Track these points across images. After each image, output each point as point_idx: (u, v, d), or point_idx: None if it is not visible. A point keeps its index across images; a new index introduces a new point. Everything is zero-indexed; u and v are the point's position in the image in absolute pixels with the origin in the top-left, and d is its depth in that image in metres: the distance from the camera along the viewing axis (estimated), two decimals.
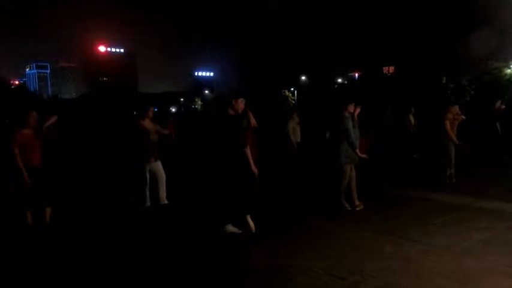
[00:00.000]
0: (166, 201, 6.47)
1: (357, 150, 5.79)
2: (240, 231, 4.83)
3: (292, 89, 53.03)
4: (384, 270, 3.65)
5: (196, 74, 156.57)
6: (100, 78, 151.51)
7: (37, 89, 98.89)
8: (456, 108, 7.68)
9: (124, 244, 4.78)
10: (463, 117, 7.73)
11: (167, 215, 5.99)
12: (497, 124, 9.49)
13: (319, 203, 6.27)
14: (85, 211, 6.36)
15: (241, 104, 5.02)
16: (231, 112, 5.00)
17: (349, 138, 5.70)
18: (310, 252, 4.19)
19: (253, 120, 4.98)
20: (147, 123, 6.41)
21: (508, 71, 28.36)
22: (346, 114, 5.86)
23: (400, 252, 4.12)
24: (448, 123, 7.43)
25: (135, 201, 6.38)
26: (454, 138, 7.45)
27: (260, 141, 5.27)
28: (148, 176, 6.37)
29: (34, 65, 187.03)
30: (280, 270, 3.79)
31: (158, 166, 6.46)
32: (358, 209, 5.82)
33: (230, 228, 4.88)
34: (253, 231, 4.88)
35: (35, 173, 5.08)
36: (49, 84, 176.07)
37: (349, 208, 5.79)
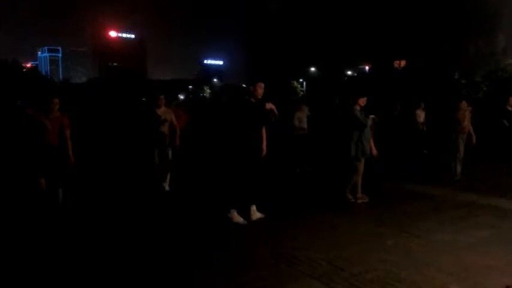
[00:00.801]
0: (168, 188, 6.59)
1: (371, 143, 5.80)
2: (245, 223, 4.84)
3: (301, 80, 52.75)
4: (384, 263, 3.69)
5: (205, 62, 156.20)
6: (110, 63, 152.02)
7: (48, 72, 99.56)
8: (464, 105, 7.61)
9: (126, 230, 4.87)
10: (470, 108, 7.65)
11: (171, 202, 6.08)
12: (505, 122, 9.35)
13: (324, 195, 6.32)
14: (94, 195, 6.48)
15: (260, 89, 5.00)
16: (252, 99, 4.98)
17: (364, 132, 5.70)
18: (313, 243, 4.24)
19: (275, 111, 4.98)
20: (160, 111, 6.49)
21: None
22: (357, 107, 5.85)
23: (402, 246, 4.15)
24: (459, 115, 7.35)
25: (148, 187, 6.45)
26: (472, 132, 7.41)
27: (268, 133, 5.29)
28: (157, 161, 6.45)
29: (46, 48, 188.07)
30: (282, 259, 3.85)
31: (167, 153, 6.58)
32: (360, 201, 5.86)
33: (236, 217, 4.89)
34: (253, 219, 4.92)
35: (53, 152, 5.19)
36: (60, 67, 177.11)
37: (353, 200, 5.84)
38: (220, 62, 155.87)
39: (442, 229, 4.65)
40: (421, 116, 11.16)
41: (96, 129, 11.78)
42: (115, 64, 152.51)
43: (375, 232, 4.59)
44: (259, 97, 5.00)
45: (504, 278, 3.39)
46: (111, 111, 16.44)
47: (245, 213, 5.01)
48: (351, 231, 4.64)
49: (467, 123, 7.48)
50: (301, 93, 49.43)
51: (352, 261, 3.74)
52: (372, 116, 6.13)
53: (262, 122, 5.04)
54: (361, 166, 5.86)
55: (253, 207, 5.08)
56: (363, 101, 5.92)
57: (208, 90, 79.54)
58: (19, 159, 5.20)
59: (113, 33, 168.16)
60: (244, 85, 55.16)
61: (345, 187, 5.91)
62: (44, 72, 74.19)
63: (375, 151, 5.96)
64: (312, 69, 51.86)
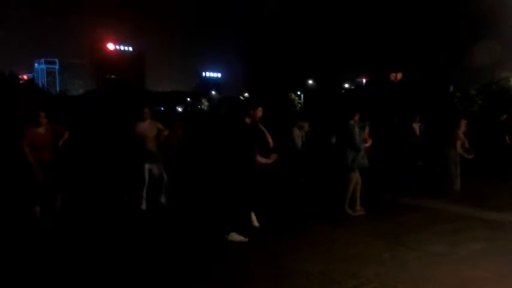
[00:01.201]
0: (164, 203, 6.44)
1: (368, 139, 5.92)
2: (246, 239, 4.75)
3: (298, 92, 53.12)
4: (380, 276, 3.74)
5: (203, 74, 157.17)
6: (108, 76, 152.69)
7: (45, 84, 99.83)
8: (465, 123, 7.68)
9: (121, 244, 4.90)
10: (465, 121, 7.75)
11: (169, 217, 6.08)
12: (506, 137, 9.43)
13: (321, 207, 6.36)
14: (85, 209, 6.47)
15: (259, 113, 5.08)
16: (248, 121, 5.05)
17: (356, 146, 5.81)
18: (309, 255, 4.29)
19: (269, 140, 5.01)
20: (145, 125, 6.31)
21: None
22: (351, 122, 5.97)
23: (398, 258, 4.20)
24: (458, 139, 7.45)
25: (129, 201, 6.39)
26: (464, 153, 7.48)
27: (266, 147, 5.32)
28: (147, 177, 6.37)
29: (43, 60, 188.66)
30: (279, 271, 3.89)
31: (160, 168, 6.45)
32: (358, 214, 5.91)
33: (235, 237, 4.79)
34: (257, 226, 5.00)
35: (46, 169, 5.27)
36: (57, 79, 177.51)
37: (351, 213, 5.88)
38: (219, 75, 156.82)
39: (438, 242, 4.70)
40: (417, 128, 11.28)
41: (88, 140, 11.85)
42: (113, 76, 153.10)
43: (373, 245, 4.64)
44: (257, 120, 5.08)
45: None
46: (105, 123, 16.49)
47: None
48: (348, 244, 4.68)
49: (463, 137, 7.58)
50: (299, 105, 49.71)
51: (349, 274, 3.79)
52: (365, 125, 6.23)
53: (256, 146, 5.03)
54: (354, 176, 5.91)
55: (253, 215, 5.16)
56: (357, 117, 6.05)
57: (206, 103, 79.80)
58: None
59: (110, 46, 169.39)
60: (242, 97, 55.48)
61: (343, 199, 5.96)
62: (40, 84, 74.31)
63: (369, 142, 6.06)
64: (310, 81, 52.32)
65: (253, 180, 4.94)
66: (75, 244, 4.78)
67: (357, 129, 5.94)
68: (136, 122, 6.43)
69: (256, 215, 5.24)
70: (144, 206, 6.31)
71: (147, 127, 6.40)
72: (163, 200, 6.56)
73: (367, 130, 6.17)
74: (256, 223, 5.19)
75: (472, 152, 7.66)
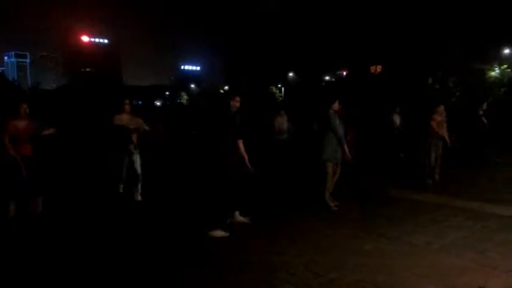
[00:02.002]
0: (140, 198, 6.34)
1: (345, 147, 5.91)
2: (227, 234, 4.72)
3: (279, 85, 53.19)
4: (361, 267, 3.76)
5: (182, 67, 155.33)
6: (82, 69, 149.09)
7: (16, 78, 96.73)
8: (442, 109, 7.85)
9: (102, 241, 4.79)
10: (444, 113, 7.87)
11: (149, 213, 5.97)
12: (483, 124, 9.62)
13: (302, 199, 6.36)
14: (66, 205, 6.30)
15: (236, 102, 5.08)
16: (228, 113, 5.04)
17: (337, 134, 5.83)
18: (290, 249, 4.28)
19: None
20: (124, 118, 6.20)
21: (493, 73, 29.05)
22: (331, 112, 5.98)
23: (378, 250, 4.24)
24: (434, 123, 7.61)
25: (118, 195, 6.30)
26: (447, 138, 7.62)
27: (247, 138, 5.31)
28: (125, 172, 6.29)
29: (13, 53, 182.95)
30: (260, 266, 3.86)
31: (136, 162, 6.35)
32: (336, 205, 5.87)
33: (217, 233, 4.74)
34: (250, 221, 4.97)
35: (26, 163, 5.09)
36: (28, 73, 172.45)
37: (335, 208, 5.82)
38: (198, 68, 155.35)
39: (417, 232, 4.77)
40: (397, 120, 11.44)
41: (64, 136, 11.56)
42: (88, 69, 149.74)
43: (354, 236, 4.66)
44: (235, 109, 5.08)
45: (478, 279, 3.51)
46: (81, 118, 16.15)
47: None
48: (330, 236, 4.70)
49: (442, 128, 7.71)
50: (280, 98, 49.76)
51: (330, 266, 3.80)
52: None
53: (236, 136, 5.05)
54: (330, 168, 5.91)
55: (236, 213, 5.13)
56: (335, 106, 6.03)
57: (185, 97, 78.98)
58: None
59: (85, 38, 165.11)
60: (222, 91, 55.21)
61: (323, 192, 5.97)
62: (11, 78, 71.95)
63: (348, 156, 5.99)
64: (291, 74, 52.41)
65: (236, 171, 4.93)
66: (47, 243, 4.64)
67: (337, 120, 5.94)
68: (115, 115, 6.27)
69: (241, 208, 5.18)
70: (139, 197, 6.27)
71: (127, 121, 6.25)
72: (138, 197, 6.42)
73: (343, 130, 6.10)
74: (240, 218, 5.13)
75: (453, 139, 7.82)
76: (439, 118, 7.73)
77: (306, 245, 4.41)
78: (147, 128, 6.51)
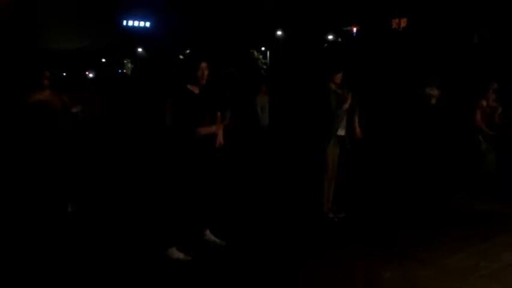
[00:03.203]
0: (69, 209, 6.51)
1: (356, 124, 5.97)
2: (189, 258, 4.89)
3: (263, 48, 53.03)
4: None
5: (125, 23, 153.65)
6: None
7: None
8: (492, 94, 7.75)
9: None
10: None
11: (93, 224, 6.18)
12: None
13: (295, 207, 6.65)
14: None
15: (203, 71, 5.09)
16: (194, 87, 5.06)
17: (333, 122, 5.81)
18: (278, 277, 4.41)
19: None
20: (43, 97, 6.11)
21: None
22: (332, 86, 5.93)
23: (405, 275, 4.32)
24: (479, 113, 7.56)
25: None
26: (487, 131, 7.59)
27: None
28: None
29: None
30: None
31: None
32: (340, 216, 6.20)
33: (175, 253, 4.89)
34: (224, 244, 5.12)
35: None
36: None
37: (336, 219, 6.07)
38: (147, 24, 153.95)
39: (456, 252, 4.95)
40: (433, 96, 11.22)
41: None
42: None
43: (366, 260, 4.72)
44: (203, 82, 5.08)
45: None
46: None
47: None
48: (332, 259, 4.81)
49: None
50: (264, 66, 49.70)
51: None
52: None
53: (208, 120, 5.13)
54: (329, 169, 6.05)
55: (207, 232, 5.19)
56: (339, 78, 6.05)
57: (130, 65, 78.22)
58: None
59: None
60: (181, 56, 54.75)
61: (320, 200, 6.04)
62: None
63: (359, 133, 6.19)
64: (279, 33, 52.27)
65: (202, 173, 4.94)
66: None
67: (337, 96, 5.97)
68: (30, 93, 6.10)
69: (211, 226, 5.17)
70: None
71: (47, 100, 6.18)
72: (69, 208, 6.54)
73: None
74: (211, 237, 5.18)
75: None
76: (484, 104, 7.69)
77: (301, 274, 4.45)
78: (75, 107, 6.79)
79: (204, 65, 5.03)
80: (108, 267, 4.80)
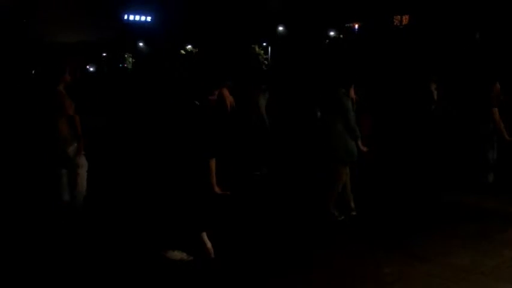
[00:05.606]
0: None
1: (359, 141, 5.88)
2: (191, 258, 4.82)
3: (264, 44, 52.92)
4: None
5: (126, 18, 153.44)
6: None
7: None
8: (497, 88, 7.76)
9: None
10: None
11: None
12: None
13: (299, 207, 6.53)
14: None
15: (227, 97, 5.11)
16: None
17: (350, 124, 5.75)
18: (282, 278, 4.42)
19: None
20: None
21: None
22: (342, 91, 5.89)
23: (404, 274, 4.34)
24: (496, 111, 7.52)
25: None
26: (504, 133, 7.56)
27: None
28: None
29: None
30: None
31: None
32: (354, 213, 6.13)
33: (176, 254, 4.83)
34: (212, 256, 4.91)
35: None
36: None
37: (340, 218, 6.00)
38: (148, 18, 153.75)
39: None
40: (435, 92, 11.20)
41: None
42: None
43: (368, 257, 4.78)
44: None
45: None
46: None
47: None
48: (336, 257, 4.83)
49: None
50: (265, 62, 49.58)
51: None
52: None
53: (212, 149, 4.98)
54: (345, 171, 5.95)
55: (204, 235, 5.01)
56: (352, 91, 6.02)
57: (131, 59, 78.17)
58: None
59: None
60: (183, 51, 54.64)
61: (327, 197, 5.98)
62: None
63: (364, 148, 6.08)
64: (281, 28, 52.19)
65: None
66: None
67: (350, 103, 5.92)
68: (56, 87, 6.08)
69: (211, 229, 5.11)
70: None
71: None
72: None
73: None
74: (211, 250, 5.06)
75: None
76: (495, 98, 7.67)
77: (304, 272, 4.40)
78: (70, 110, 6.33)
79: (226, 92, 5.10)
80: (108, 267, 4.77)
